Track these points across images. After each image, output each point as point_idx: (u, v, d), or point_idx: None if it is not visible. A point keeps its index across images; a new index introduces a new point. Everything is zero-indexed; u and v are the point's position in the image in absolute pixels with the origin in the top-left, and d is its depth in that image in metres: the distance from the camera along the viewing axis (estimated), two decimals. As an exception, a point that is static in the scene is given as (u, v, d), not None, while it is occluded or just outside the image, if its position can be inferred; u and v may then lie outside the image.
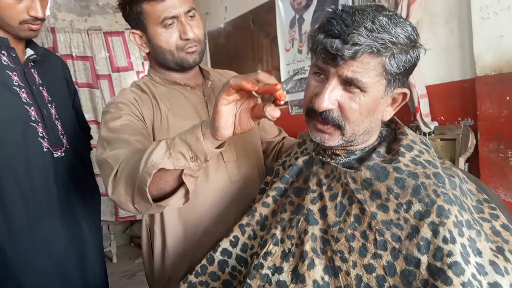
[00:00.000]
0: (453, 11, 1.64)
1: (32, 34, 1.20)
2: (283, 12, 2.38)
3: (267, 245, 0.72)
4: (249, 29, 2.69)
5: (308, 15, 2.24)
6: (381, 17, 0.61)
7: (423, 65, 1.73)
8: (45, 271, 1.22)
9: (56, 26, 3.13)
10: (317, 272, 0.64)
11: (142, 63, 3.36)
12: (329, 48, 0.61)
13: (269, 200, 0.80)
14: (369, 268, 0.61)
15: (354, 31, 0.60)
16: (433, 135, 1.70)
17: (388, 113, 0.72)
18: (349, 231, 0.65)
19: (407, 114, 1.77)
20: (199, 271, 0.81)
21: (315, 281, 0.64)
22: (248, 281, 0.70)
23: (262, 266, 0.70)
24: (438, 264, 0.55)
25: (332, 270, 0.64)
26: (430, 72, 1.74)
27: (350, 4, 1.94)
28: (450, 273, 0.53)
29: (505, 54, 1.47)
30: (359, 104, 0.65)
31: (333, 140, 0.69)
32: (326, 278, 0.64)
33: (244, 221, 0.81)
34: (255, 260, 0.72)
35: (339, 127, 0.67)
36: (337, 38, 0.61)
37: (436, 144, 1.66)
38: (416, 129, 1.71)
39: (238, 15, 2.79)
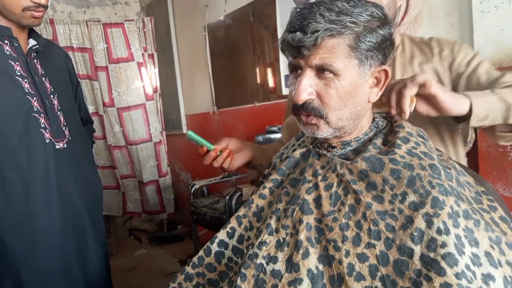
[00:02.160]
0: (453, 4, 1.63)
1: (35, 22, 1.18)
2: (283, 5, 2.36)
3: (262, 235, 0.72)
4: (249, 22, 2.68)
5: (308, 8, 2.23)
6: (338, 3, 0.64)
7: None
8: (45, 263, 1.22)
9: (55, 18, 3.11)
10: (312, 261, 0.65)
11: (142, 54, 3.35)
12: (291, 41, 0.65)
13: (266, 191, 0.81)
14: (362, 257, 0.61)
15: (311, 20, 0.63)
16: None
17: (374, 94, 0.72)
18: (343, 221, 0.65)
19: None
20: (196, 262, 0.81)
21: (309, 270, 0.64)
22: (243, 270, 0.70)
23: (256, 255, 0.70)
24: (432, 255, 0.56)
25: (326, 259, 0.65)
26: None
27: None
28: (443, 264, 0.54)
29: (505, 48, 1.46)
30: (336, 89, 0.66)
31: (321, 130, 0.70)
32: (321, 267, 0.64)
33: (241, 212, 0.81)
34: (250, 250, 0.72)
35: (321, 116, 0.68)
36: (297, 31, 0.64)
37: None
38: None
39: (237, 7, 2.77)
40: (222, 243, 0.81)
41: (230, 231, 0.81)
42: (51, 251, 1.23)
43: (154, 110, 3.42)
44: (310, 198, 0.71)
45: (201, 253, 0.82)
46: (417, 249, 0.57)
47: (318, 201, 0.70)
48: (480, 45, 1.52)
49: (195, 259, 0.82)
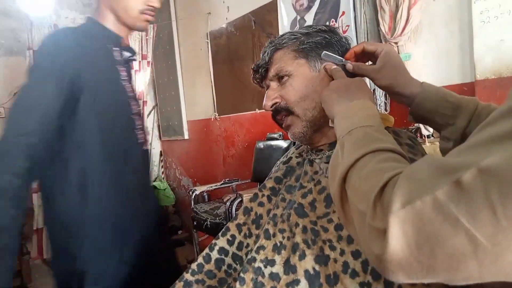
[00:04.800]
0: (454, 14, 1.65)
1: (146, 26, 1.22)
2: (285, 13, 2.38)
3: (260, 240, 0.74)
4: (251, 30, 2.70)
5: (309, 17, 2.24)
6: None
7: (423, 68, 1.74)
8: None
9: (58, 23, 3.14)
10: (309, 262, 0.66)
11: (139, 62, 3.38)
12: (255, 69, 0.81)
13: (264, 199, 0.83)
14: (356, 254, 0.63)
15: (263, 51, 0.81)
16: (432, 138, 1.70)
17: None
18: (338, 221, 0.67)
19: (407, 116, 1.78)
20: (196, 270, 0.82)
21: (306, 271, 0.66)
22: (242, 275, 0.71)
23: (254, 259, 0.72)
24: None
25: (322, 259, 0.66)
26: (429, 75, 1.74)
27: (351, 6, 1.95)
28: None
29: (505, 58, 1.47)
30: (291, 85, 0.76)
31: (296, 126, 0.77)
32: (317, 267, 0.66)
33: (241, 220, 0.83)
34: (249, 255, 0.74)
35: (290, 112, 0.77)
36: (260, 61, 0.81)
37: (435, 147, 1.67)
38: (417, 131, 1.72)
39: (240, 15, 2.79)
40: (222, 250, 0.82)
41: (230, 238, 0.82)
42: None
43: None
44: (305, 202, 0.73)
45: (200, 260, 0.82)
46: None
47: (312, 204, 0.72)
48: (480, 55, 1.53)
49: (194, 266, 0.82)
